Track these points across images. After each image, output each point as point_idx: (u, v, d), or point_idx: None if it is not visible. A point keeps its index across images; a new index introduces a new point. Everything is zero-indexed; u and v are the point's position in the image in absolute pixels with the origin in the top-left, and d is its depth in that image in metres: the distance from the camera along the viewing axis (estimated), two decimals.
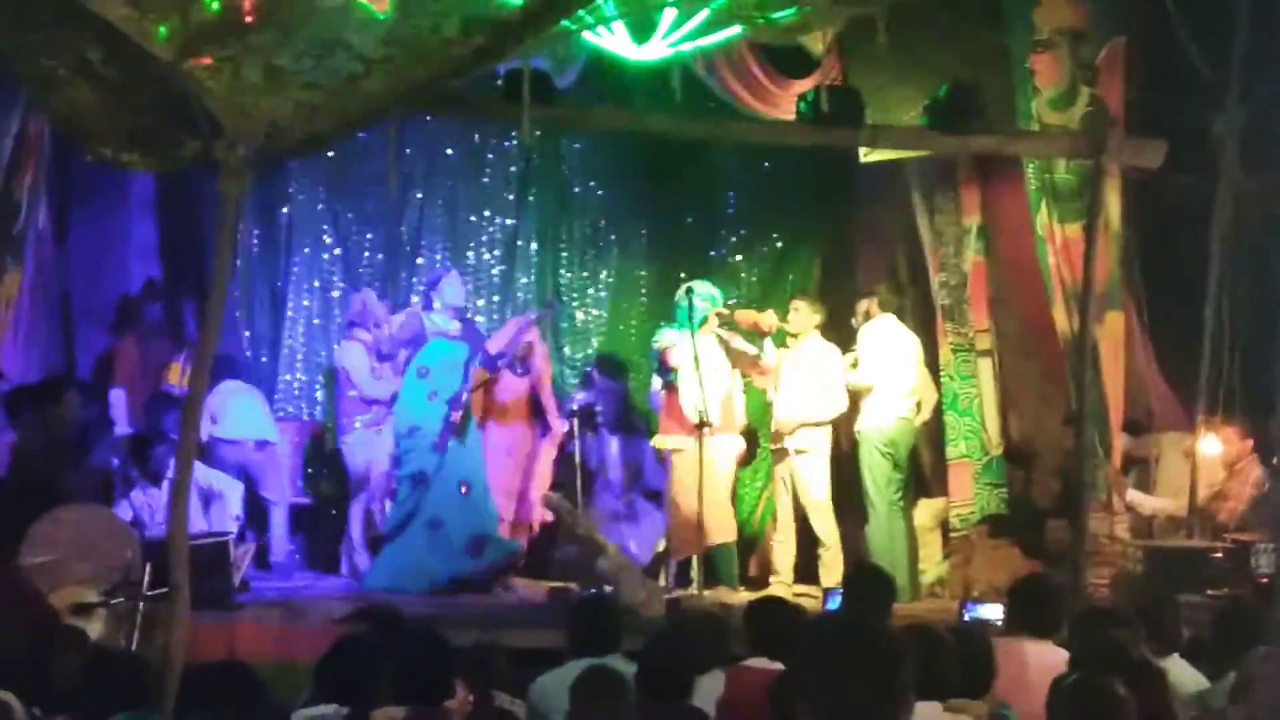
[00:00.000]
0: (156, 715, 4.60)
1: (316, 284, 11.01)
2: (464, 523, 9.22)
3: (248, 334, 11.04)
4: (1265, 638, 5.14)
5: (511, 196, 11.34)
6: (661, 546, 9.83)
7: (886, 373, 9.48)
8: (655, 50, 8.63)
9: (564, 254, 11.49)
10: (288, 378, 11.04)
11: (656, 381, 9.68)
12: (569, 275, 11.51)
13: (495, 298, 11.34)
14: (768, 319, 9.60)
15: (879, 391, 9.46)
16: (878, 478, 9.41)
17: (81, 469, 8.58)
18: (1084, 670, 4.28)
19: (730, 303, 10.12)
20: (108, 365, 10.05)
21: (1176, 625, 5.59)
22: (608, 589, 8.32)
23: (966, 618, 7.93)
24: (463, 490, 9.28)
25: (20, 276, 8.64)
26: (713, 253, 11.58)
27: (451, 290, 9.80)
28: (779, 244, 11.58)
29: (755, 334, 9.66)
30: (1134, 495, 9.17)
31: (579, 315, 11.50)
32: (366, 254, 11.10)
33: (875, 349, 9.55)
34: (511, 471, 9.84)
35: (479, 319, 10.99)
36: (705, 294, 9.49)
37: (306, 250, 11.10)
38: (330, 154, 10.54)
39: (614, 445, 10.26)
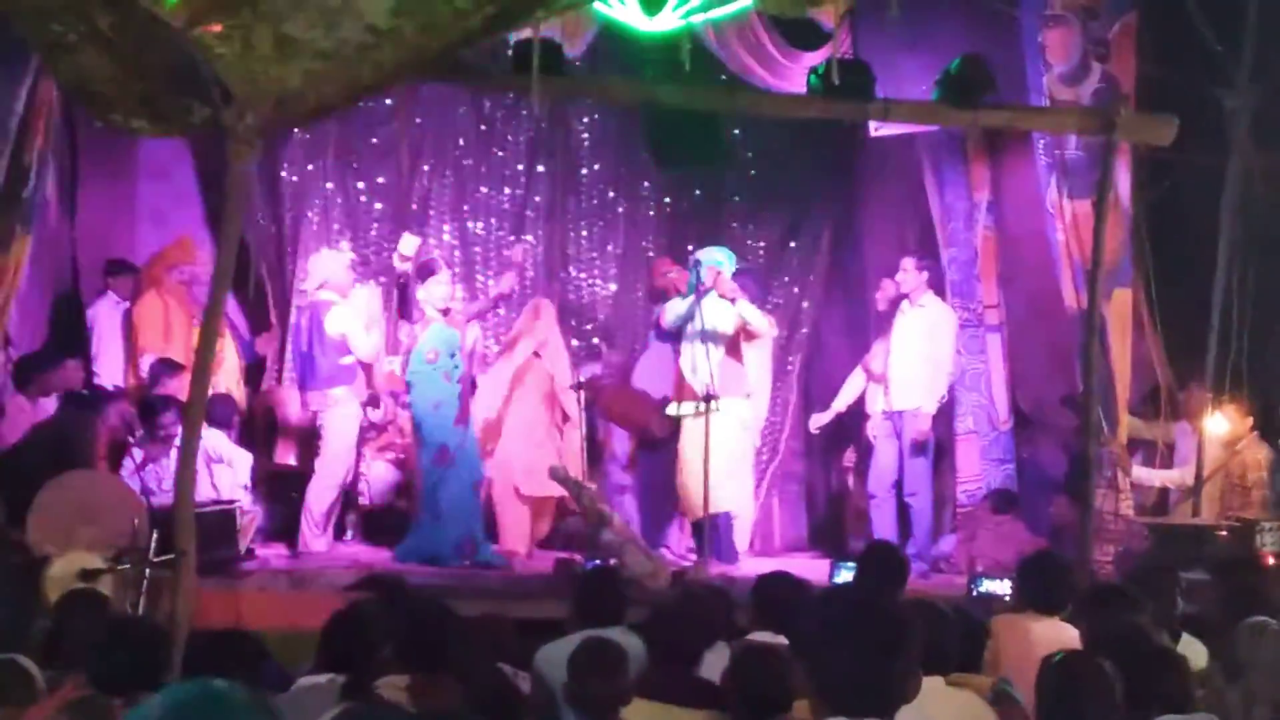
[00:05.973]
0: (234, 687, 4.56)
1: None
2: None
3: None
4: (1267, 615, 5.14)
5: (521, 167, 11.30)
6: None
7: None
8: (666, 21, 8.59)
9: (572, 225, 11.47)
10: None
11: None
12: (577, 246, 11.48)
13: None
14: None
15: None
16: None
17: (90, 435, 8.58)
18: (1092, 651, 4.27)
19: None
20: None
21: (1172, 598, 5.59)
22: (612, 561, 8.33)
23: (974, 593, 7.97)
24: None
25: (29, 242, 8.62)
26: (721, 224, 11.55)
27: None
28: (787, 216, 11.57)
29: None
30: (1140, 471, 9.17)
31: (586, 286, 11.48)
32: (375, 225, 11.03)
33: None
34: None
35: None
36: (711, 258, 9.51)
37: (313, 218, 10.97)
38: (339, 122, 10.49)
39: None
